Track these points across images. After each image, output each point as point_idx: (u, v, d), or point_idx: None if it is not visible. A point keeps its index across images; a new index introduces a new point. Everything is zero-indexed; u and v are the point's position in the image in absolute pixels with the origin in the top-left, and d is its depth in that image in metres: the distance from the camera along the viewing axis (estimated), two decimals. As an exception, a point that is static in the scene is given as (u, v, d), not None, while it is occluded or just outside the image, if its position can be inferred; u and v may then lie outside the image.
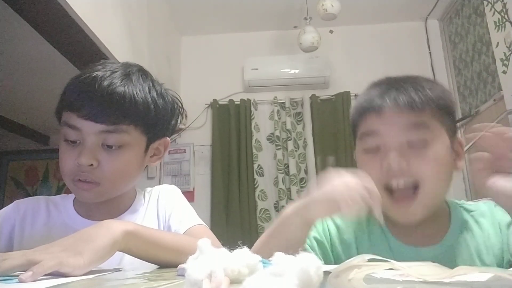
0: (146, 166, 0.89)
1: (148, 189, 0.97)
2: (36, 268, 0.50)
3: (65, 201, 0.90)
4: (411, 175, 0.72)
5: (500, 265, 0.73)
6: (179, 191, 0.98)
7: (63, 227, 0.84)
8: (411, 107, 0.73)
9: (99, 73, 0.77)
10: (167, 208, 0.92)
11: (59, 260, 0.52)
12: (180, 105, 0.91)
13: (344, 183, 0.66)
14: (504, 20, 2.17)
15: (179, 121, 0.91)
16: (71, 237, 0.60)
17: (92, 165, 0.76)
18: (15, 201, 0.88)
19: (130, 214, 0.89)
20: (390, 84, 0.78)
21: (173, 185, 0.99)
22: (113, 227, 0.63)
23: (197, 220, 0.90)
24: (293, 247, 0.49)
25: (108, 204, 0.85)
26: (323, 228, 0.87)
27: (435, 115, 0.74)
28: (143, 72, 0.85)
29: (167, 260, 0.68)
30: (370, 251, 0.51)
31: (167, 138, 0.90)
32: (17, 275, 0.49)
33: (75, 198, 0.89)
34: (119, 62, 0.86)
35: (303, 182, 3.04)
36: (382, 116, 0.75)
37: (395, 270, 0.42)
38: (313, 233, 0.87)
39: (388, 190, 0.74)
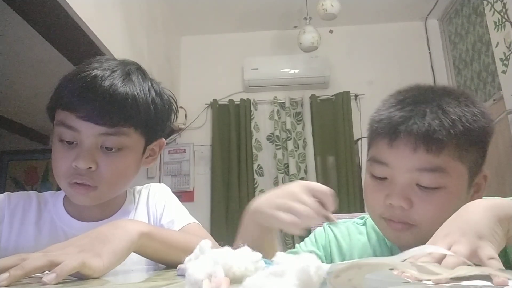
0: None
1: (137, 188, 0.95)
2: (59, 270, 0.47)
3: (54, 199, 0.86)
4: (410, 219, 0.67)
5: None
6: (169, 190, 0.97)
7: (53, 227, 0.82)
8: (428, 149, 0.64)
9: (99, 72, 0.73)
10: (158, 207, 0.91)
11: (82, 261, 0.50)
12: (175, 104, 0.89)
13: (289, 195, 0.60)
14: (503, 20, 2.17)
15: (173, 120, 0.89)
16: (86, 236, 0.58)
17: (90, 168, 0.73)
18: (5, 193, 0.84)
19: (121, 215, 0.87)
20: (412, 104, 0.68)
21: (162, 184, 0.98)
22: (129, 228, 0.62)
23: (190, 219, 0.89)
24: (261, 249, 0.46)
25: (99, 204, 0.82)
26: (325, 243, 0.84)
27: (456, 155, 0.65)
28: (141, 71, 0.82)
29: (176, 260, 0.65)
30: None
31: (163, 139, 0.89)
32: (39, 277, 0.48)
33: (65, 196, 0.85)
34: (115, 59, 0.83)
35: (303, 182, 3.04)
36: (394, 148, 0.67)
37: (396, 270, 0.42)
38: (313, 247, 0.84)
39: (384, 218, 0.71)
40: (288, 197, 0.60)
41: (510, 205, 0.53)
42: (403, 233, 0.69)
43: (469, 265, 0.43)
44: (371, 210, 0.75)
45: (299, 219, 0.57)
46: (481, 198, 0.71)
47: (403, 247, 0.70)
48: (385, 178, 0.70)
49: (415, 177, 0.66)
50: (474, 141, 0.67)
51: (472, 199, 0.69)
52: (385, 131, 0.68)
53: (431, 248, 0.44)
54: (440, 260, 0.45)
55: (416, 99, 0.69)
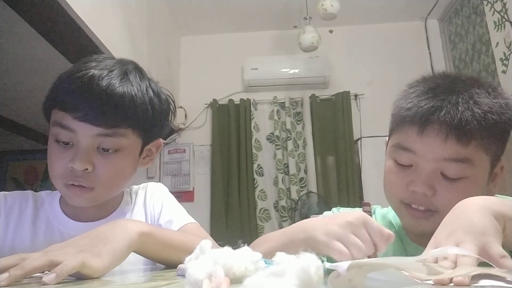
0: None
1: (134, 188, 0.94)
2: (59, 270, 0.47)
3: (51, 199, 0.85)
4: (432, 206, 0.69)
5: None
6: (166, 189, 0.96)
7: (49, 227, 0.82)
8: (458, 140, 0.65)
9: (96, 72, 0.72)
10: (155, 207, 0.90)
11: (82, 260, 0.50)
12: (173, 104, 0.88)
13: (347, 226, 0.58)
14: (503, 20, 2.17)
15: (171, 120, 0.88)
16: (85, 236, 0.58)
17: (87, 169, 0.72)
18: (1, 193, 0.84)
19: (118, 215, 0.86)
20: (443, 93, 0.68)
21: (159, 183, 0.97)
22: (129, 228, 0.61)
23: (189, 219, 0.89)
24: None
25: (96, 205, 0.81)
26: None
27: (483, 146, 0.67)
28: (139, 70, 0.81)
29: (176, 260, 0.63)
30: (385, 254, 0.47)
31: (160, 139, 0.88)
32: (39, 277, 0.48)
33: (61, 195, 0.85)
34: (112, 58, 0.82)
35: (302, 181, 3.04)
36: (424, 137, 0.68)
37: (396, 269, 0.41)
38: None
39: (405, 203, 0.72)
40: (347, 227, 0.58)
41: (502, 202, 0.53)
42: (423, 221, 0.70)
43: (481, 263, 0.43)
44: (391, 195, 0.75)
45: (351, 251, 0.55)
46: (496, 187, 0.73)
47: (420, 234, 0.71)
48: (409, 165, 0.71)
49: (441, 166, 0.67)
50: (500, 133, 0.69)
51: (488, 188, 0.71)
52: (416, 119, 0.68)
53: (454, 249, 0.44)
54: (455, 261, 0.45)
55: (447, 88, 0.69)
